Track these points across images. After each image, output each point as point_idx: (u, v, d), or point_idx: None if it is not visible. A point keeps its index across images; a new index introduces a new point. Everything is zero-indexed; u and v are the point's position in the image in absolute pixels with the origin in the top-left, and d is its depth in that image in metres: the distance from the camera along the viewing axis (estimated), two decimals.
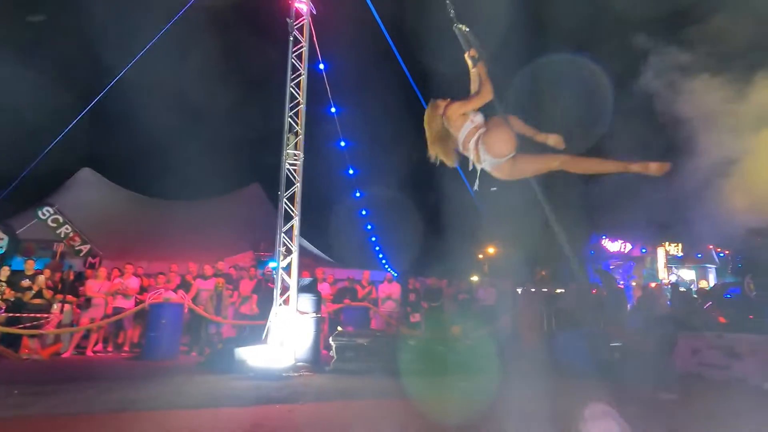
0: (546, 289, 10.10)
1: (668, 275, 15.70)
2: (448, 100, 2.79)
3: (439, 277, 10.14)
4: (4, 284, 7.21)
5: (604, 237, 16.76)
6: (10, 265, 7.93)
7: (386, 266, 18.21)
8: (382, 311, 8.89)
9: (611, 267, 16.13)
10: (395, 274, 13.52)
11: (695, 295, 9.83)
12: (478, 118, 2.74)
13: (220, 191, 17.77)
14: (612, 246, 16.74)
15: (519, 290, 9.80)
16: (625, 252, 16.59)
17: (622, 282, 14.34)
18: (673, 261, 16.16)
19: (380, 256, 18.35)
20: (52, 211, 11.25)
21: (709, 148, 5.54)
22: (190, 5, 7.59)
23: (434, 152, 2.84)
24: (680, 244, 16.06)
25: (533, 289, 9.17)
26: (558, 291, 10.17)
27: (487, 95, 2.71)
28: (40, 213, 11.14)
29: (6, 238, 9.37)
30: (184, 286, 8.24)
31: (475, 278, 19.51)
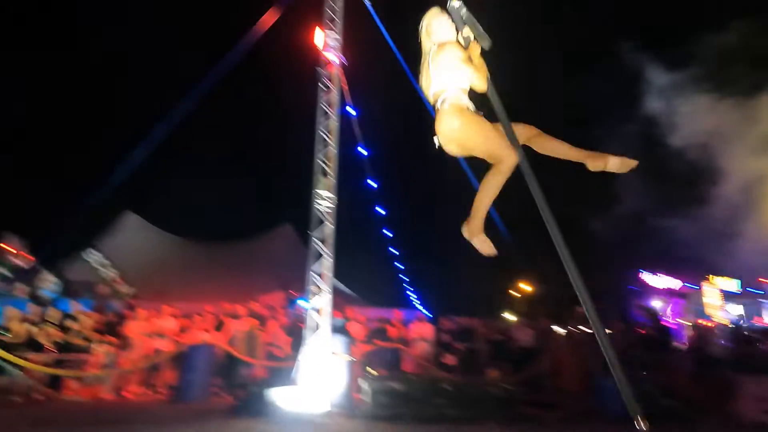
0: (586, 329, 9.62)
1: (719, 312, 14.65)
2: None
3: (471, 316, 9.87)
4: (53, 326, 7.54)
5: (645, 272, 15.98)
6: (59, 307, 8.33)
7: (417, 305, 17.92)
8: (413, 352, 8.66)
9: (655, 304, 15.24)
10: (426, 314, 13.27)
11: (752, 333, 9.10)
12: (463, 100, 2.42)
13: (253, 232, 18.31)
14: (654, 281, 15.90)
15: (557, 330, 9.37)
16: (670, 288, 15.70)
17: (668, 320, 13.49)
18: (725, 296, 15.12)
19: (410, 294, 18.11)
20: (97, 255, 11.90)
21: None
22: (225, 60, 8.20)
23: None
24: (734, 279, 15.07)
25: (572, 329, 8.75)
26: None
27: (477, 81, 2.37)
28: (86, 257, 11.79)
29: (58, 282, 9.92)
30: (219, 327, 8.36)
31: (509, 317, 18.87)
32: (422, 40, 2.59)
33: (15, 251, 10.71)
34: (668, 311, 14.86)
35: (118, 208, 15.68)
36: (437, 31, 2.54)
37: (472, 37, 2.40)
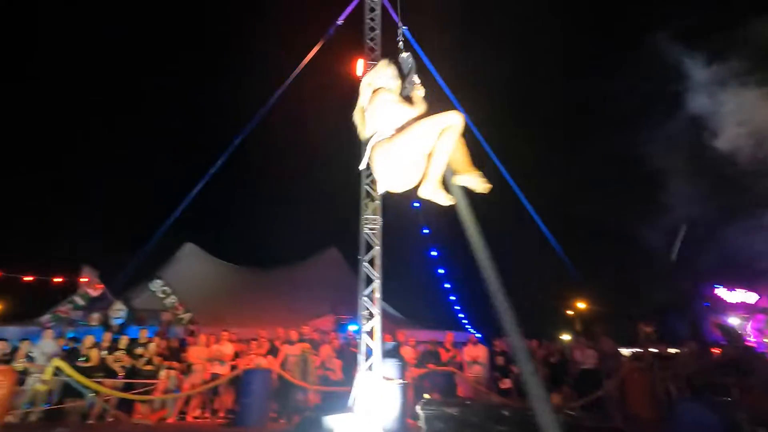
0: (655, 349, 8.93)
1: None
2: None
3: (527, 337, 9.45)
4: (123, 352, 8.04)
5: (719, 286, 14.63)
6: (128, 334, 8.89)
7: (467, 326, 17.43)
8: (468, 376, 8.39)
9: (732, 321, 13.86)
10: (478, 335, 12.86)
11: None
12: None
13: (301, 256, 18.77)
14: (731, 296, 14.51)
15: (623, 351, 8.76)
16: (749, 303, 14.24)
17: (750, 339, 12.21)
18: None
19: (461, 315, 17.67)
20: (161, 283, 12.63)
21: None
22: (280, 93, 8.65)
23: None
24: None
25: (640, 350, 8.14)
26: (670, 351, 8.92)
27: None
28: (151, 285, 12.55)
29: (125, 310, 10.62)
30: (273, 351, 8.55)
31: (566, 337, 17.85)
32: (362, 89, 2.89)
33: (89, 282, 11.62)
34: (749, 329, 13.47)
35: (178, 240, 16.69)
36: (379, 79, 2.86)
37: (418, 81, 2.89)
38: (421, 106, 2.78)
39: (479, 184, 2.69)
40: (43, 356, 7.54)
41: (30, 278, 12.55)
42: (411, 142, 2.54)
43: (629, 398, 7.64)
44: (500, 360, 8.61)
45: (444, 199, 2.62)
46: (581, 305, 23.20)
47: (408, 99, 2.87)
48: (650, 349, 8.70)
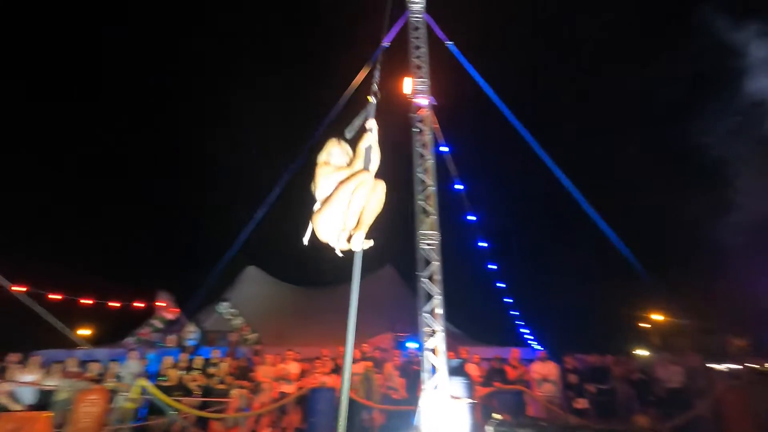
0: (752, 365, 7.98)
1: None
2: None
3: (600, 352, 8.83)
4: (198, 371, 8.50)
5: None
6: (201, 355, 9.40)
7: (532, 341, 16.62)
8: (539, 395, 7.96)
9: None
10: (542, 350, 12.21)
11: None
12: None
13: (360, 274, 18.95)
14: None
15: (714, 367, 7.93)
16: None
17: None
18: None
19: (524, 330, 16.91)
20: (227, 305, 13.30)
21: None
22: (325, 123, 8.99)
23: None
24: None
25: (737, 366, 7.33)
26: None
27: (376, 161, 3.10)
28: (218, 308, 13.25)
29: (198, 331, 11.26)
30: (337, 370, 8.64)
31: (642, 352, 16.44)
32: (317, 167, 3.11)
33: (166, 306, 12.51)
34: None
35: (242, 264, 17.57)
36: (329, 156, 3.15)
37: (370, 127, 3.20)
38: (358, 161, 3.09)
39: (361, 244, 2.98)
40: (129, 376, 8.14)
41: (116, 304, 13.73)
42: (332, 205, 2.89)
43: (727, 420, 6.85)
44: (573, 378, 8.10)
45: (358, 245, 2.96)
46: (658, 317, 21.36)
47: (353, 145, 3.20)
48: (746, 364, 7.80)
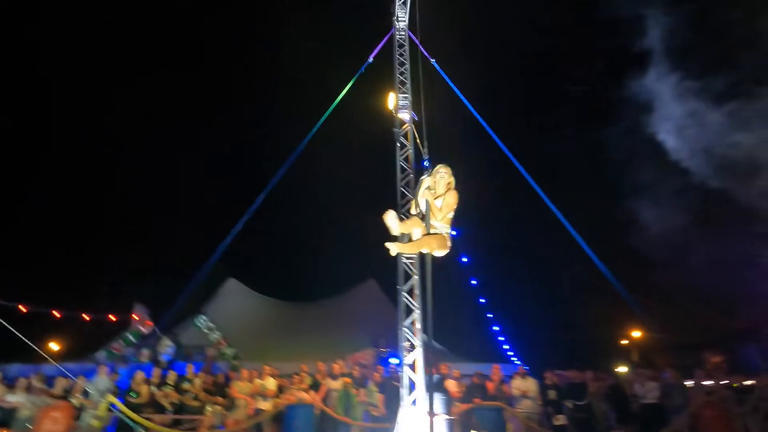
0: (727, 381, 8.10)
1: None
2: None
3: (579, 369, 8.85)
4: (171, 387, 8.21)
5: None
6: (176, 370, 9.10)
7: (512, 357, 16.63)
8: (518, 412, 7.91)
9: None
10: (525, 368, 12.21)
11: None
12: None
13: (339, 289, 18.82)
14: None
15: (689, 383, 8.02)
16: None
17: None
18: None
19: (505, 347, 16.92)
20: (205, 319, 12.97)
21: None
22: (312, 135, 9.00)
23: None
24: None
25: (712, 382, 7.43)
26: (746, 383, 8.08)
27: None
28: (197, 321, 12.91)
29: (172, 345, 10.93)
30: (315, 386, 8.46)
31: (622, 369, 16.59)
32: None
33: (140, 319, 12.13)
34: None
35: (222, 276, 17.23)
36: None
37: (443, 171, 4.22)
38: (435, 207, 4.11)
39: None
40: (97, 392, 7.82)
41: (86, 317, 13.25)
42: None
43: None
44: (552, 394, 8.08)
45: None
46: (637, 334, 21.66)
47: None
48: (722, 381, 7.91)
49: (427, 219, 4.09)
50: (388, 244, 3.98)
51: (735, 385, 8.05)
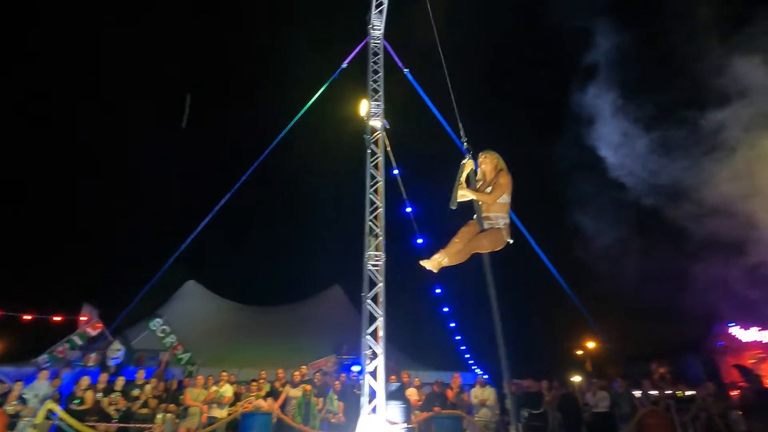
0: (670, 391, 8.55)
1: None
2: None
3: (535, 378, 9.10)
4: (119, 394, 7.79)
5: (733, 325, 14.21)
6: (124, 376, 8.64)
7: (473, 366, 16.88)
8: (476, 420, 8.02)
9: (749, 361, 13.35)
10: (485, 376, 12.42)
11: None
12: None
13: (304, 294, 18.55)
14: (745, 335, 14.06)
15: (637, 393, 8.40)
16: (766, 342, 13.78)
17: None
18: None
19: (467, 356, 17.16)
20: (161, 322, 12.40)
21: None
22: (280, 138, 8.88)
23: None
24: None
25: (656, 392, 7.81)
26: (688, 393, 8.55)
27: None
28: (151, 324, 12.32)
29: (123, 349, 10.38)
30: (274, 393, 8.27)
31: (576, 378, 17.20)
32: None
33: (89, 320, 11.45)
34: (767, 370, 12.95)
35: (181, 277, 16.60)
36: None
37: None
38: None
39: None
40: (36, 398, 7.31)
41: (29, 317, 12.40)
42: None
43: None
44: (509, 403, 8.25)
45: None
46: (591, 344, 22.53)
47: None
48: (666, 392, 8.34)
49: (479, 214, 3.54)
50: (423, 262, 3.52)
51: (679, 394, 8.50)
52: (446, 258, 3.48)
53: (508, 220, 3.54)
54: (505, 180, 3.52)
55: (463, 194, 3.55)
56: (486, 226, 3.49)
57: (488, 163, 3.68)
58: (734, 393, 8.99)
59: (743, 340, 13.97)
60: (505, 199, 3.50)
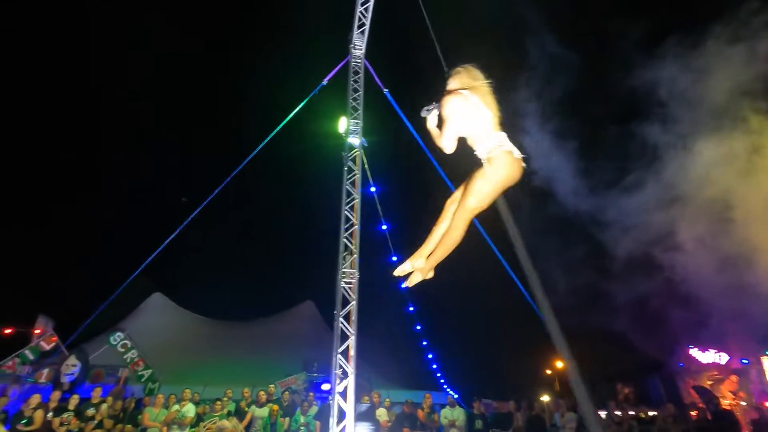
0: (634, 412, 8.77)
1: None
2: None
3: (505, 398, 9.16)
4: (71, 413, 7.35)
5: (692, 347, 14.76)
6: (79, 393, 8.17)
7: (445, 387, 16.83)
8: None
9: (708, 383, 13.85)
10: (455, 396, 12.40)
11: None
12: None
13: (276, 309, 18.18)
14: (704, 357, 14.61)
15: (602, 413, 8.56)
16: (722, 364, 14.35)
17: (726, 401, 12.17)
18: None
19: (438, 375, 17.11)
20: (122, 337, 11.83)
21: None
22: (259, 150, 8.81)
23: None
24: None
25: (619, 413, 7.99)
26: (650, 413, 8.78)
27: None
28: (111, 339, 11.73)
29: (79, 365, 9.82)
30: (239, 413, 7.99)
31: (545, 398, 17.40)
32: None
33: (43, 333, 10.80)
34: (724, 391, 13.47)
35: (147, 289, 15.98)
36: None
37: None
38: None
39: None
40: None
41: None
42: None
43: None
44: (479, 424, 8.26)
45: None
46: (560, 364, 22.87)
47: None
48: (630, 412, 8.54)
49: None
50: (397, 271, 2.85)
51: (641, 415, 8.71)
52: (420, 259, 2.81)
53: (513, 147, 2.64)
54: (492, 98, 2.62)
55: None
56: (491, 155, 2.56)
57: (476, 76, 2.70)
58: (693, 413, 9.29)
59: (702, 362, 14.53)
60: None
